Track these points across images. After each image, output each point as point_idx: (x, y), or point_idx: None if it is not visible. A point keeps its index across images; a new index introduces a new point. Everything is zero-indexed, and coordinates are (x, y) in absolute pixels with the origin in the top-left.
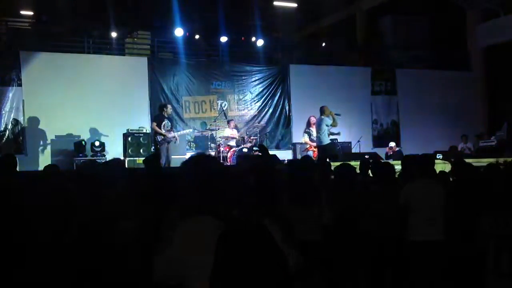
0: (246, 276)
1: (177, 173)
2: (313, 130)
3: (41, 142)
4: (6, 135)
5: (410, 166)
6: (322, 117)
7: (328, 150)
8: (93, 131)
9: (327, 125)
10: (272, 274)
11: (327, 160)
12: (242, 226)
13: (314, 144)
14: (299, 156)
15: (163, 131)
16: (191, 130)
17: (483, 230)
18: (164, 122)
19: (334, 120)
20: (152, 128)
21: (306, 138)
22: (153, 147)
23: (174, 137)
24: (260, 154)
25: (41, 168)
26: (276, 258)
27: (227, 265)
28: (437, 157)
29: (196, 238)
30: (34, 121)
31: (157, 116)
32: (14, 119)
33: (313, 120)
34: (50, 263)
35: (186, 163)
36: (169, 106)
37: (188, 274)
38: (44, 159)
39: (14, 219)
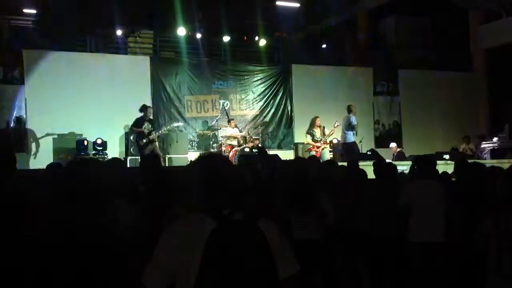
0: (230, 275)
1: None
2: (317, 131)
3: (43, 141)
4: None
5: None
6: (350, 115)
7: (354, 149)
8: (95, 130)
9: (350, 125)
10: (256, 275)
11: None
12: (233, 225)
13: (318, 144)
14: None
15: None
16: (173, 125)
17: (484, 231)
18: (144, 125)
19: (357, 125)
20: (133, 131)
21: (308, 139)
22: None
23: (154, 139)
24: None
25: (43, 166)
26: (263, 260)
27: (212, 263)
28: (444, 157)
29: (184, 236)
30: (36, 119)
31: (137, 119)
32: (16, 117)
33: (318, 121)
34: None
35: (193, 162)
36: (149, 109)
37: (178, 273)
38: (46, 158)
39: (14, 218)
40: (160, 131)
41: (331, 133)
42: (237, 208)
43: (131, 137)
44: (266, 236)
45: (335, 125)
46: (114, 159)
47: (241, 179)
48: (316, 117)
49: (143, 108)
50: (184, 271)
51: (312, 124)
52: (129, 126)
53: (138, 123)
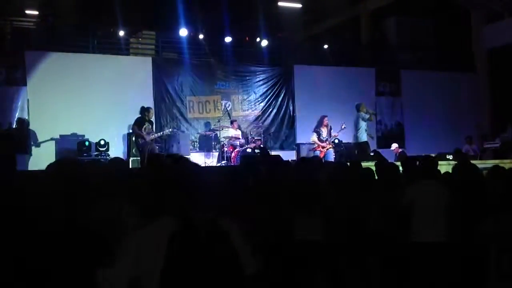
0: (192, 274)
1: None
2: (323, 130)
3: (46, 142)
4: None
5: (411, 168)
6: (359, 114)
7: (364, 148)
8: (97, 131)
9: (363, 120)
10: (218, 274)
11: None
12: (196, 226)
13: (323, 144)
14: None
15: (143, 133)
16: (170, 129)
17: (485, 231)
18: (145, 126)
19: (370, 115)
20: (133, 131)
21: (314, 137)
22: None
23: (153, 139)
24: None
25: (44, 167)
26: (225, 259)
27: (174, 263)
28: (448, 157)
29: (148, 239)
30: (38, 120)
31: (138, 119)
32: (18, 118)
33: (325, 121)
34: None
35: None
36: (151, 110)
37: (143, 274)
38: (49, 159)
39: (16, 219)
40: (159, 134)
41: (335, 135)
42: (202, 210)
43: (133, 138)
44: (229, 235)
45: (342, 127)
46: (116, 158)
47: (210, 181)
48: (324, 116)
49: (143, 110)
50: (148, 273)
51: (320, 123)
52: (131, 125)
53: (139, 123)
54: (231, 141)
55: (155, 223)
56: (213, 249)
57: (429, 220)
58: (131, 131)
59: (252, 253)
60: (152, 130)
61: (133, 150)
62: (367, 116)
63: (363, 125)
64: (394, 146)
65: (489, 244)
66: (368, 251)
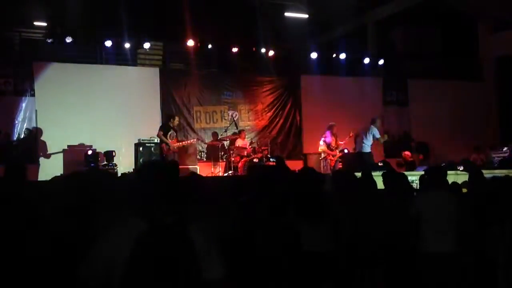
0: (150, 275)
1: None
2: (332, 139)
3: (54, 152)
4: (19, 145)
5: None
6: (372, 126)
7: (368, 159)
8: (105, 141)
9: (374, 137)
10: (177, 274)
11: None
12: (162, 228)
13: (333, 152)
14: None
15: (168, 140)
16: (194, 140)
17: (493, 240)
18: (170, 133)
19: (383, 137)
20: (157, 136)
21: (324, 147)
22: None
23: (179, 147)
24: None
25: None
26: (185, 263)
27: (136, 264)
28: (458, 168)
29: (117, 238)
30: (47, 130)
31: (163, 126)
32: (27, 129)
33: (334, 129)
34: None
35: (138, 169)
36: (176, 118)
37: (114, 274)
38: (57, 169)
39: (26, 227)
40: (185, 142)
41: (342, 143)
42: (171, 214)
43: (139, 149)
44: (192, 239)
45: (350, 135)
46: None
47: (180, 188)
48: (333, 125)
49: (168, 117)
50: (116, 268)
51: (329, 131)
52: (158, 131)
53: (165, 129)
54: (238, 151)
55: (125, 223)
56: (173, 250)
57: (438, 230)
58: (157, 139)
59: (217, 259)
60: (177, 137)
61: (140, 160)
62: (378, 136)
63: (370, 139)
64: (407, 154)
65: (498, 252)
66: (375, 262)
